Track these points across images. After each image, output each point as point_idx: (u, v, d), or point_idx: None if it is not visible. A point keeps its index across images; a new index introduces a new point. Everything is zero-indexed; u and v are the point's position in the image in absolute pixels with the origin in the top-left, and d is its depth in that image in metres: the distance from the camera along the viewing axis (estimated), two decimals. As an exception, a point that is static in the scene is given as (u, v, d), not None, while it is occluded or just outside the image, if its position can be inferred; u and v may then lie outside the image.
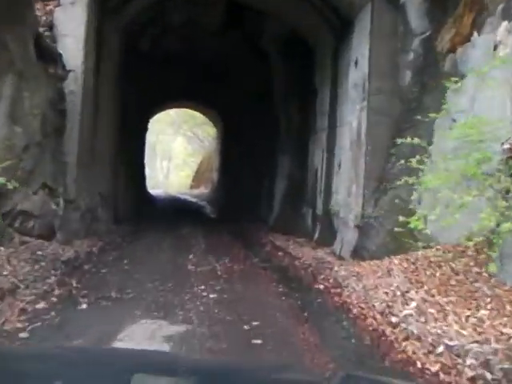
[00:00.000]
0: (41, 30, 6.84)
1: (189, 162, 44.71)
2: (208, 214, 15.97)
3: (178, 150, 47.31)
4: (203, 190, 28.05)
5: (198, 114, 42.08)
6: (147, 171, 46.69)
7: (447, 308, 3.73)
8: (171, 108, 24.27)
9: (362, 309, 4.36)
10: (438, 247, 4.83)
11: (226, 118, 21.65)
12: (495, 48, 5.09)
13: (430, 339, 3.35)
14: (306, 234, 9.29)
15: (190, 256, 7.34)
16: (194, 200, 21.70)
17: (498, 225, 4.03)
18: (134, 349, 3.18)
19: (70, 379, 1.44)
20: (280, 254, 7.89)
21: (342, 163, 7.50)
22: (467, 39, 5.69)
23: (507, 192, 4.25)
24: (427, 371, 3.13)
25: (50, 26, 7.21)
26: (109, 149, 9.25)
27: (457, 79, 5.19)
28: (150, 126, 28.37)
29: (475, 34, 5.55)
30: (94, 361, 1.67)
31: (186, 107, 24.93)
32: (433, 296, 3.98)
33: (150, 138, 47.07)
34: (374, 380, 1.84)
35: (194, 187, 33.08)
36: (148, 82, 16.76)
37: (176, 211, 16.01)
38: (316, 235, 8.53)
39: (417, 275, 4.50)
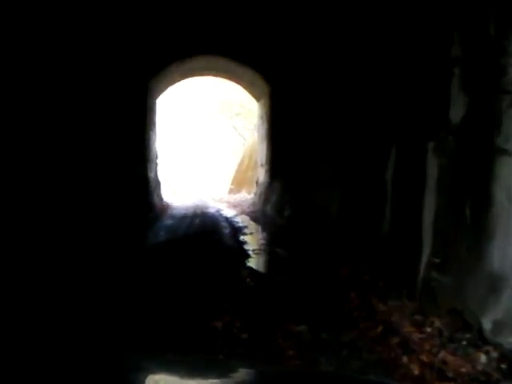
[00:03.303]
0: None
1: (227, 160, 36.68)
2: (251, 254, 7.32)
3: (214, 147, 39.32)
4: (245, 196, 19.58)
5: (235, 101, 34.10)
6: (179, 172, 38.91)
7: None
8: (187, 75, 15.85)
9: None
10: None
11: (278, 80, 13.05)
12: None
13: None
14: None
15: None
16: (229, 214, 13.22)
17: None
18: None
19: None
20: None
21: None
22: None
23: None
24: None
25: None
26: None
27: None
28: (163, 105, 20.14)
29: None
30: None
31: (211, 72, 16.42)
32: None
33: (185, 133, 39.43)
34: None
35: (233, 191, 24.74)
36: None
37: (184, 250, 7.49)
38: None
39: None
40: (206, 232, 9.34)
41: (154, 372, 1.45)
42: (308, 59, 9.39)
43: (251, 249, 7.58)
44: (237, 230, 9.95)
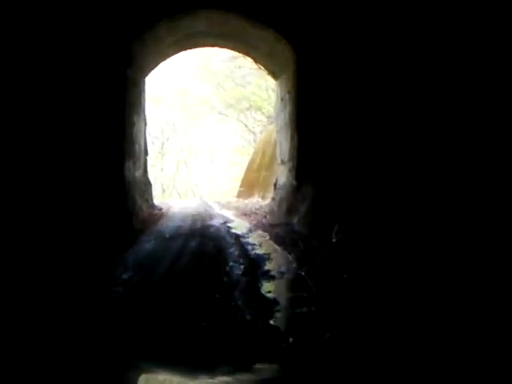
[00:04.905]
0: None
1: (236, 159, 32.83)
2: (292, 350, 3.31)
3: (222, 146, 35.47)
4: (259, 202, 15.59)
5: (246, 91, 30.19)
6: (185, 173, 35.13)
7: None
8: (183, 44, 11.87)
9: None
10: None
11: (308, 44, 9.06)
12: None
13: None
14: None
15: None
16: (240, 230, 9.32)
17: None
18: None
19: None
20: None
21: None
22: None
23: None
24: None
25: None
26: None
27: None
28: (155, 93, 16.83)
29: None
30: None
31: (216, 40, 12.42)
32: None
33: (187, 131, 35.76)
34: None
35: (243, 195, 20.64)
36: None
37: (150, 328, 3.46)
38: None
39: None
40: (201, 274, 5.39)
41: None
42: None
43: (292, 332, 3.58)
44: (255, 267, 6.02)
